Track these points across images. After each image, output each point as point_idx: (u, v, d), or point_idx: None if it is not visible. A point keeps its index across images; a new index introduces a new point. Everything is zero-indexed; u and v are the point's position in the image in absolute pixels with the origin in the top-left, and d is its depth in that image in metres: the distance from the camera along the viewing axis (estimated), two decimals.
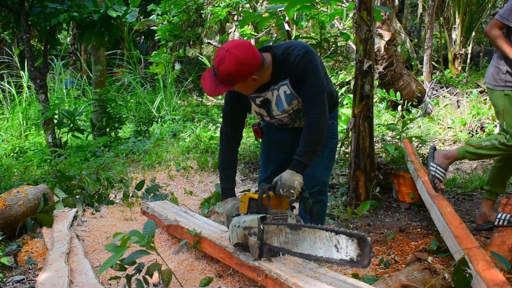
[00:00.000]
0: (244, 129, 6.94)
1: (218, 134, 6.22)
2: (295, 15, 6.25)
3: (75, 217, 3.61)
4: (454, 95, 7.09)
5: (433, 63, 8.39)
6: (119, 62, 10.93)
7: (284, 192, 2.13)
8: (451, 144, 5.63)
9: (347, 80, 7.52)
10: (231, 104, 2.44)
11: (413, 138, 4.75)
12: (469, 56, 8.14)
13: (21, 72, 9.37)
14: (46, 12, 5.88)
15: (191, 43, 11.66)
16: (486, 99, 6.57)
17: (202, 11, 8.74)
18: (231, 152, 2.50)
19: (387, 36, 6.52)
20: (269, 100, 2.33)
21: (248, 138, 6.03)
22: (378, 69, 6.60)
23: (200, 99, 9.36)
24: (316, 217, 2.50)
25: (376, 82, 6.69)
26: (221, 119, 7.70)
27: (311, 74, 2.22)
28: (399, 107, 6.80)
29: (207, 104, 8.91)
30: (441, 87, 7.44)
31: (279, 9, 4.90)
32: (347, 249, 1.77)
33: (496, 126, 5.63)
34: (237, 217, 2.26)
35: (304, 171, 2.20)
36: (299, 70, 2.22)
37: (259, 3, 8.71)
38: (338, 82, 7.61)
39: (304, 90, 2.24)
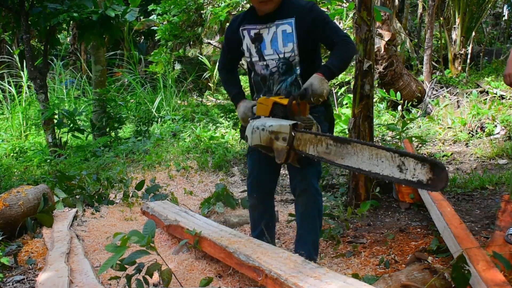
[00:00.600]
0: None
1: (218, 134, 6.23)
2: None
3: (75, 217, 3.61)
4: (454, 95, 7.10)
5: (433, 63, 8.40)
6: (119, 62, 10.94)
7: (314, 100, 2.19)
8: (451, 144, 5.63)
9: (347, 80, 7.52)
10: (228, 45, 2.54)
11: (413, 138, 4.75)
12: (469, 56, 8.15)
13: (21, 72, 9.38)
14: (46, 12, 5.88)
15: (191, 43, 11.66)
16: (486, 99, 6.57)
17: (202, 11, 8.74)
18: (231, 71, 2.65)
19: (387, 36, 6.52)
20: (262, 37, 2.37)
21: None
22: (378, 69, 6.60)
23: (200, 99, 9.36)
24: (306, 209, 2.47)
25: (376, 82, 6.69)
26: (221, 119, 7.67)
27: (327, 18, 2.31)
28: (399, 107, 6.80)
29: (207, 104, 8.92)
30: (441, 87, 7.45)
31: None
32: (414, 171, 1.68)
33: (496, 126, 5.63)
34: (260, 120, 2.26)
35: (330, 80, 2.24)
36: (314, 14, 2.29)
37: None
38: (338, 82, 7.61)
39: (325, 32, 2.30)
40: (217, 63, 2.73)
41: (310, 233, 2.51)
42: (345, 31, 2.36)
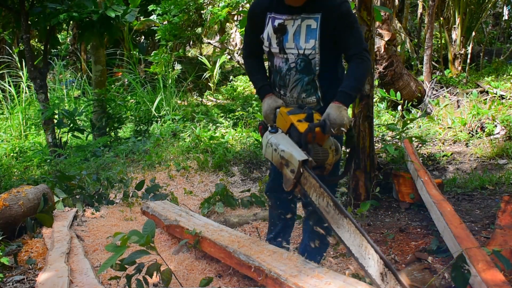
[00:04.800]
0: (245, 129, 6.89)
1: (218, 134, 6.23)
2: None
3: (75, 217, 3.61)
4: (454, 95, 7.10)
5: (433, 63, 8.40)
6: (119, 62, 10.93)
7: (335, 131, 2.05)
8: (451, 144, 5.63)
9: None
10: (251, 27, 2.39)
11: (413, 138, 4.75)
12: (469, 56, 8.15)
13: (20, 72, 9.38)
14: (46, 12, 5.88)
15: (191, 43, 11.65)
16: (486, 99, 6.57)
17: (202, 11, 8.74)
18: (256, 59, 2.45)
19: (387, 36, 6.52)
20: (286, 29, 2.23)
21: (248, 138, 6.02)
22: (378, 69, 6.60)
23: (200, 99, 9.36)
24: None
25: (376, 82, 6.69)
26: (221, 119, 7.66)
27: (353, 22, 2.19)
28: (399, 107, 6.80)
29: (207, 104, 8.92)
30: (441, 87, 7.45)
31: None
32: None
33: (496, 126, 5.63)
34: (275, 137, 2.15)
35: (349, 105, 2.11)
36: (341, 13, 2.15)
37: None
38: None
39: (346, 36, 2.17)
40: (242, 51, 2.56)
41: (319, 251, 2.48)
42: (364, 43, 2.23)
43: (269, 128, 2.25)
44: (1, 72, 9.75)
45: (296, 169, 1.98)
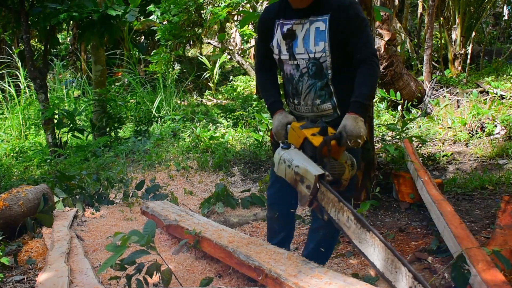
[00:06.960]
0: (245, 129, 6.87)
1: (218, 134, 6.23)
2: None
3: (75, 217, 3.61)
4: (454, 95, 7.10)
5: (433, 63, 8.41)
6: (119, 62, 10.93)
7: (351, 143, 1.98)
8: (451, 144, 5.63)
9: None
10: (261, 37, 2.35)
11: (413, 138, 4.75)
12: (469, 56, 8.16)
13: (18, 72, 9.38)
14: (46, 12, 5.88)
15: (191, 43, 11.66)
16: (486, 99, 6.57)
17: (202, 11, 8.74)
18: (268, 72, 2.39)
19: (387, 36, 6.52)
20: (295, 34, 2.17)
21: (248, 138, 6.02)
22: None
23: (200, 99, 9.36)
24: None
25: None
26: (221, 119, 7.64)
27: (363, 25, 2.12)
28: (399, 107, 6.80)
29: (207, 104, 8.92)
30: (441, 87, 7.45)
31: None
32: None
33: (496, 126, 5.63)
34: (287, 152, 2.06)
35: (364, 115, 2.05)
36: (352, 15, 2.09)
37: (259, 3, 8.70)
38: None
39: (355, 39, 2.10)
40: (255, 65, 2.51)
41: (322, 258, 2.41)
42: (374, 47, 2.16)
43: (281, 144, 2.16)
44: (1, 72, 9.75)
45: (313, 185, 1.89)
